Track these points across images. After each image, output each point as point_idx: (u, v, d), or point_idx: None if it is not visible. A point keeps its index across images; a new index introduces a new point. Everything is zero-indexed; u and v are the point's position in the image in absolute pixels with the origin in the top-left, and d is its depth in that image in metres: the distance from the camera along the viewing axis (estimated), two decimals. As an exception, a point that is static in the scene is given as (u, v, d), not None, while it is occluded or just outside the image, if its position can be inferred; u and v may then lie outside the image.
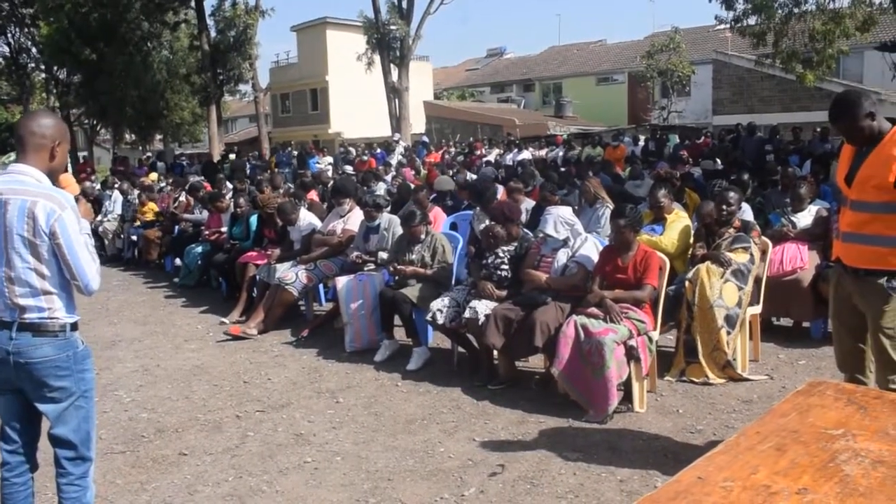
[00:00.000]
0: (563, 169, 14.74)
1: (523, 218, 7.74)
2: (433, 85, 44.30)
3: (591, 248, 5.54)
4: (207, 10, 28.74)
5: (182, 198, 11.90)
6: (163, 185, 14.79)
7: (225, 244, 9.25)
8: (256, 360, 6.54)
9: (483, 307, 5.50)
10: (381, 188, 12.10)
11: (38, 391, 2.97)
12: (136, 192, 12.82)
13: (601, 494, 3.81)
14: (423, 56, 41.31)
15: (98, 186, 16.05)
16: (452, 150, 23.35)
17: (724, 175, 10.77)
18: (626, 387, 4.91)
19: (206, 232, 9.90)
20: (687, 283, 5.59)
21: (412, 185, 10.25)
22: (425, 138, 26.81)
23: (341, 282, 6.75)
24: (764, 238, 6.10)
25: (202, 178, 16.05)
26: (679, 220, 6.37)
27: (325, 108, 41.23)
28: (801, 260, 6.47)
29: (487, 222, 6.30)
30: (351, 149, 25.26)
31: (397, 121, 27.96)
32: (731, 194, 5.96)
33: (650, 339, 5.06)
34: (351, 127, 37.86)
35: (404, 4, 27.58)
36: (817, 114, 23.60)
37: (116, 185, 13.88)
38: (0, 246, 2.87)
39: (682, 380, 5.53)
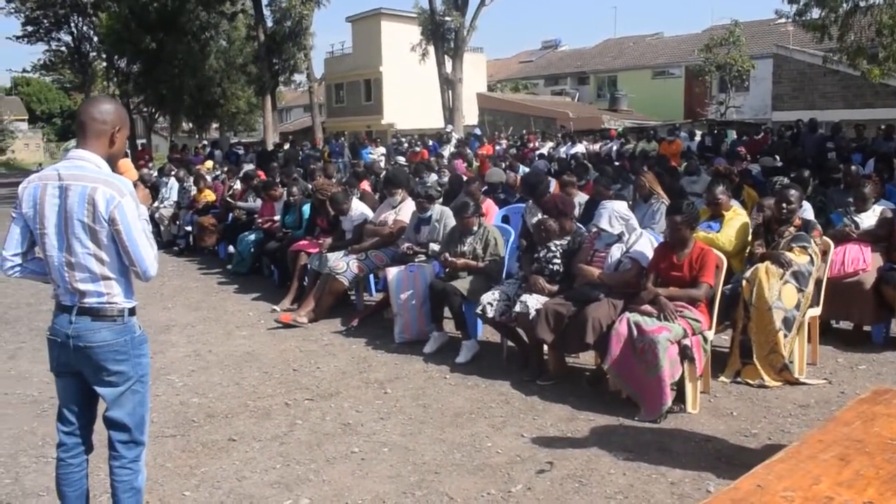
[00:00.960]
0: (616, 163, 14.57)
1: (577, 212, 7.67)
2: (487, 77, 44.15)
3: (646, 243, 5.44)
4: (264, 1, 29.00)
5: (236, 186, 12.03)
6: (218, 173, 14.96)
7: (277, 232, 9.35)
8: (306, 348, 6.59)
9: (534, 301, 5.44)
10: (432, 179, 12.08)
11: (97, 374, 3.01)
12: (192, 179, 12.99)
13: (651, 496, 3.73)
14: (477, 48, 41.24)
15: (155, 173, 16.31)
16: (504, 142, 23.23)
17: (784, 172, 10.48)
18: (679, 387, 4.80)
19: (259, 220, 10.00)
20: (744, 283, 5.45)
21: (464, 177, 10.18)
22: (478, 130, 26.74)
23: (392, 273, 6.75)
24: (825, 238, 5.92)
25: (255, 166, 16.25)
26: (737, 218, 6.21)
27: (379, 98, 41.39)
28: (863, 261, 6.25)
29: (540, 216, 6.23)
30: (403, 140, 25.33)
31: (450, 112, 27.90)
32: (792, 192, 5.79)
33: (705, 339, 4.96)
34: (404, 118, 37.98)
35: (459, -4, 27.50)
36: (881, 111, 22.95)
37: (173, 173, 14.09)
38: (61, 231, 2.90)
39: (737, 381, 5.40)
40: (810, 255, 5.57)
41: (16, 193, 3.13)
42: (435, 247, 6.85)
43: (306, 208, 8.97)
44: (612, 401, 5.02)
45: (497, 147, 21.55)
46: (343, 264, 7.34)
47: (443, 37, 27.69)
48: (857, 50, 16.10)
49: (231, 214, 11.16)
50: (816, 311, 5.78)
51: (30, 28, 36.00)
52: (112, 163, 3.04)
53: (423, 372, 5.85)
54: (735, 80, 30.85)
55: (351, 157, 22.18)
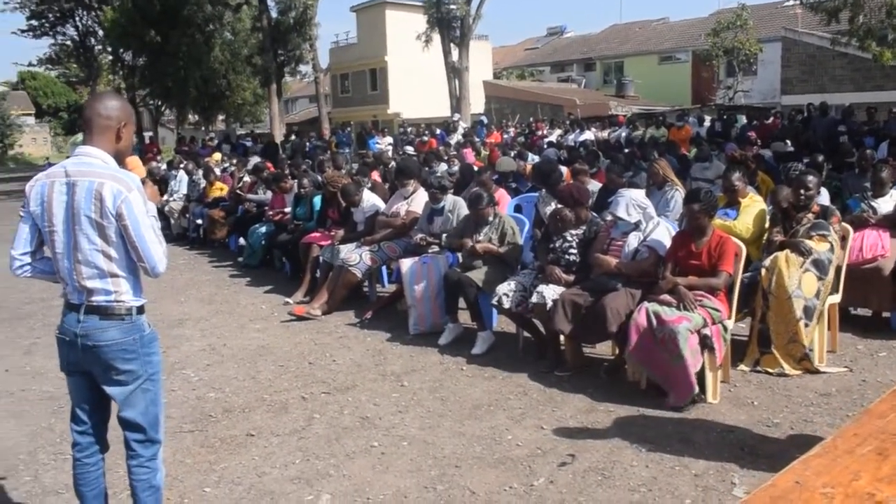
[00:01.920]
0: (626, 150, 14.48)
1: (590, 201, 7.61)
2: (492, 64, 43.97)
3: (664, 232, 5.39)
4: (268, -8, 28.95)
5: (246, 178, 12.01)
6: (226, 165, 14.93)
7: (289, 225, 9.32)
8: (321, 341, 6.56)
9: (550, 292, 5.40)
10: (442, 169, 12.03)
11: (106, 374, 2.98)
12: (201, 172, 12.96)
13: (675, 488, 3.69)
14: (482, 35, 41.04)
15: (164, 167, 16.30)
16: (512, 130, 23.14)
17: (797, 157, 10.41)
18: (700, 377, 4.74)
19: (270, 212, 9.98)
20: (763, 271, 5.38)
21: (475, 167, 10.13)
22: (484, 118, 26.62)
23: (405, 264, 6.71)
24: (844, 224, 5.86)
25: (263, 158, 16.22)
26: (754, 205, 6.15)
27: (385, 88, 41.30)
28: (881, 247, 6.18)
29: (554, 205, 6.18)
30: (410, 129, 25.26)
31: (457, 101, 27.83)
32: (810, 178, 5.72)
33: (725, 328, 4.91)
34: (410, 107, 37.86)
35: (465, -17, 27.37)
36: (893, 93, 22.77)
37: (182, 166, 14.07)
38: (68, 228, 2.87)
39: (757, 370, 5.35)
40: (830, 243, 5.51)
41: (23, 188, 3.10)
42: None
43: (317, 200, 8.93)
44: (631, 391, 4.98)
45: (505, 135, 21.47)
46: (356, 256, 7.32)
47: (448, 25, 27.57)
48: (867, 32, 15.93)
49: (241, 207, 11.13)
50: (836, 298, 5.72)
51: (35, 22, 36.00)
52: (119, 159, 3.00)
53: (439, 364, 5.82)
54: (743, 64, 30.61)
55: (358, 148, 22.17)
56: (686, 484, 3.74)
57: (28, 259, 3.01)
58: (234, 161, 14.83)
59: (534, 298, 5.46)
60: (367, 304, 7.51)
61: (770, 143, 13.37)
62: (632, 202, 5.37)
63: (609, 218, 5.58)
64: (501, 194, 8.20)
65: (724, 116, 19.97)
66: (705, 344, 4.74)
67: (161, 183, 14.17)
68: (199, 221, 12.18)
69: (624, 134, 18.39)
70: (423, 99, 36.77)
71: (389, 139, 22.80)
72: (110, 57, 37.66)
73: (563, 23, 55.01)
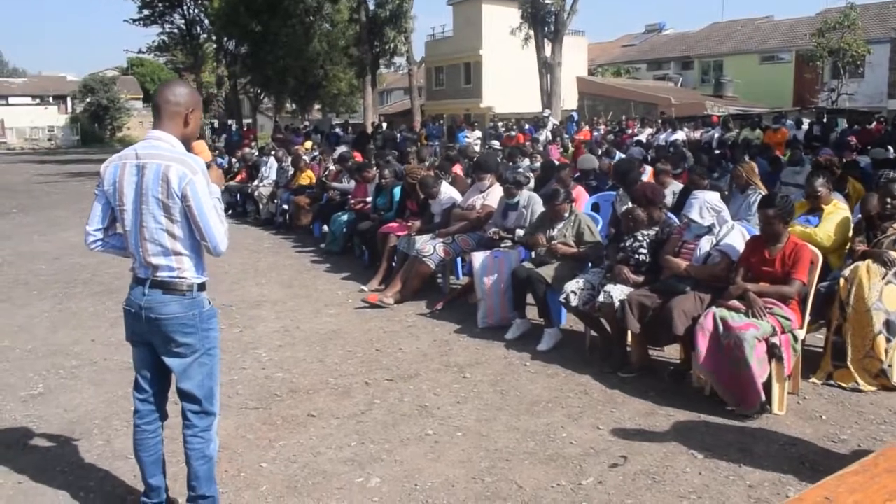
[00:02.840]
0: (717, 151, 14.12)
1: (670, 201, 7.48)
2: (588, 61, 43.48)
3: (738, 236, 5.25)
4: (367, -16, 29.36)
5: (331, 167, 12.24)
6: (315, 153, 15.25)
7: (369, 214, 9.47)
8: (390, 329, 6.66)
9: (618, 292, 5.34)
10: (525, 164, 11.99)
11: (166, 346, 3.14)
12: (290, 159, 13.28)
13: (727, 499, 3.61)
14: (578, 31, 40.62)
15: (256, 153, 16.76)
16: (602, 127, 22.83)
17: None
18: (766, 387, 4.60)
19: (352, 201, 10.16)
20: (842, 281, 5.18)
21: (556, 163, 10.06)
22: (575, 115, 26.34)
23: (477, 258, 6.74)
24: (934, 236, 5.57)
25: (351, 148, 16.50)
26: (837, 212, 5.91)
27: (478, 82, 41.35)
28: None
29: (630, 204, 6.09)
30: (500, 124, 25.22)
31: (548, 97, 27.61)
32: (898, 186, 5.47)
33: (795, 338, 4.74)
34: (503, 102, 37.78)
35: (560, -22, 27.10)
36: None
37: (273, 152, 14.45)
38: (137, 207, 3.03)
39: (829, 384, 5.15)
40: (917, 254, 5.26)
41: None
42: (521, 233, 6.80)
43: (397, 191, 9.05)
44: (694, 397, 4.88)
45: (595, 133, 21.20)
46: (430, 247, 7.39)
47: (543, 20, 27.37)
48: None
49: (326, 195, 11.37)
50: (921, 313, 5.45)
51: (145, 11, 37.48)
52: (187, 143, 3.15)
53: (503, 358, 5.83)
54: (849, 66, 29.34)
55: (448, 141, 22.27)
56: (738, 495, 3.65)
57: (101, 234, 3.20)
58: (321, 150, 15.12)
59: (601, 298, 5.41)
60: (439, 296, 7.58)
61: (870, 150, 12.82)
62: (706, 205, 5.25)
63: (684, 220, 5.47)
64: (580, 192, 8.14)
65: (824, 120, 19.22)
66: (773, 353, 4.59)
67: (252, 168, 14.61)
68: (286, 207, 12.49)
69: (717, 135, 17.93)
70: (517, 94, 36.60)
71: (478, 133, 22.80)
72: (214, 45, 38.96)
73: (662, 20, 53.76)
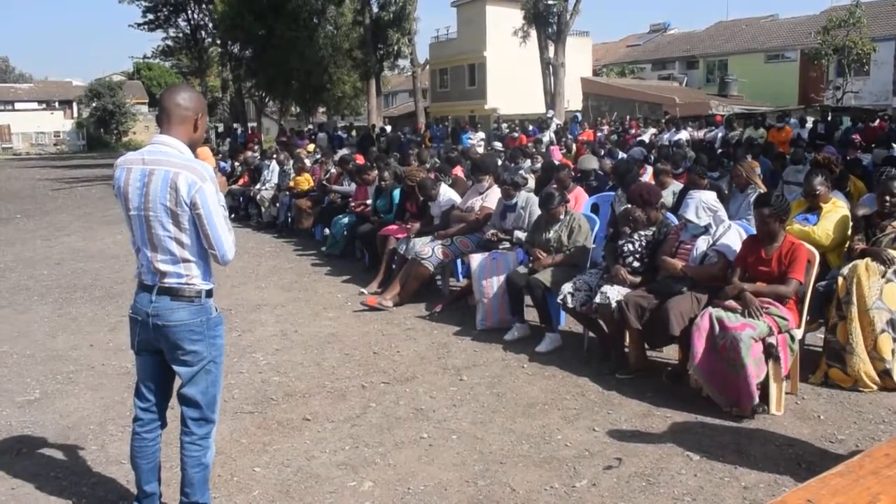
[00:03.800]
0: (720, 151, 14.07)
1: (670, 201, 7.45)
2: (593, 61, 43.42)
3: (734, 236, 5.22)
4: (370, -14, 29.40)
5: (332, 169, 12.25)
6: (318, 156, 15.26)
7: (370, 216, 9.46)
8: (388, 331, 6.65)
9: (615, 293, 5.31)
10: (527, 165, 11.98)
11: (173, 352, 3.12)
12: (292, 162, 13.29)
13: (721, 500, 3.59)
14: (582, 31, 40.58)
15: (258, 156, 16.77)
16: (606, 128, 22.80)
17: (899, 162, 9.88)
18: (764, 387, 4.59)
19: (353, 203, 10.16)
20: (840, 280, 5.14)
21: (556, 163, 10.03)
22: (579, 115, 26.31)
23: (475, 259, 6.73)
24: (933, 234, 5.53)
25: (352, 150, 16.50)
26: (836, 210, 5.87)
27: (483, 83, 41.34)
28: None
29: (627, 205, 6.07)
30: (504, 125, 25.21)
31: (552, 97, 27.59)
32: (897, 184, 5.44)
33: (792, 338, 4.71)
34: (508, 103, 37.75)
35: (563, -22, 27.08)
36: None
37: (274, 156, 14.46)
38: (142, 214, 3.01)
39: (829, 384, 5.12)
40: (917, 253, 5.22)
41: None
42: (520, 234, 6.79)
43: (397, 193, 9.04)
44: (692, 398, 4.84)
45: (598, 133, 21.18)
46: (429, 249, 7.38)
47: (545, 21, 27.33)
48: None
49: (327, 197, 11.37)
50: (922, 311, 5.41)
51: (150, 16, 37.64)
52: (193, 148, 3.12)
53: (501, 360, 5.81)
54: (854, 64, 29.21)
55: (451, 142, 22.26)
56: (733, 496, 3.62)
57: None
58: (323, 153, 15.12)
59: (598, 299, 5.39)
60: (439, 298, 7.56)
61: (873, 148, 12.78)
62: (702, 204, 5.22)
63: (682, 220, 5.45)
64: (579, 192, 8.11)
65: (829, 118, 19.14)
66: (770, 353, 4.57)
67: (255, 172, 14.60)
68: (288, 210, 12.49)
69: (720, 134, 17.88)
70: (521, 95, 36.61)
71: (482, 134, 22.81)
72: (219, 49, 39.07)
73: (667, 20, 53.55)
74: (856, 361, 5.01)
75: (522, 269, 6.33)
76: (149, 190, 2.97)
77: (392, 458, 4.14)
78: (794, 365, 4.84)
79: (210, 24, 37.91)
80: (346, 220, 10.00)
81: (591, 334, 5.94)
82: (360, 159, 12.90)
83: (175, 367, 3.17)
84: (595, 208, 8.04)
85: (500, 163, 11.45)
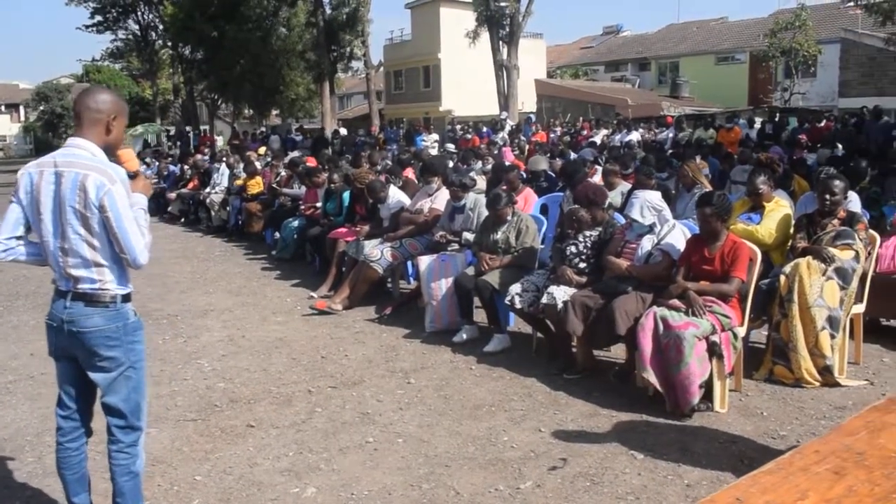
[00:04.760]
0: (670, 151, 14.24)
1: (618, 201, 7.49)
2: (547, 62, 43.68)
3: (678, 235, 5.27)
4: (324, -13, 29.21)
5: (283, 172, 12.12)
6: (269, 159, 15.10)
7: (320, 219, 9.38)
8: (337, 335, 6.59)
9: (561, 293, 5.32)
10: (478, 167, 11.98)
11: (90, 360, 3.03)
12: (242, 165, 13.13)
13: (664, 498, 3.60)
14: (536, 33, 40.81)
15: (208, 160, 16.54)
16: (558, 129, 22.95)
17: (845, 162, 10.09)
18: (708, 385, 4.62)
19: (303, 206, 10.06)
20: (782, 278, 5.21)
21: (506, 164, 10.05)
22: (532, 117, 26.43)
23: (423, 261, 6.71)
24: (871, 232, 5.65)
25: (305, 153, 16.34)
26: (778, 209, 5.96)
27: (437, 85, 41.35)
28: (914, 257, 5.95)
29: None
30: (458, 127, 25.23)
31: (505, 99, 27.69)
32: (836, 182, 5.53)
33: (735, 336, 4.76)
34: (462, 105, 37.82)
35: (515, -20, 27.17)
36: (958, 97, 21.95)
37: (224, 159, 14.28)
38: (56, 217, 2.93)
39: (774, 381, 5.18)
40: (855, 251, 5.32)
41: None
42: (468, 235, 6.78)
43: (346, 195, 8.98)
44: (638, 397, 4.87)
45: (551, 134, 21.31)
46: (378, 252, 7.33)
47: (498, 22, 27.42)
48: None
49: (277, 201, 11.25)
50: (860, 308, 5.52)
51: (98, 18, 36.91)
52: (110, 151, 3.04)
53: (449, 362, 5.79)
54: (801, 66, 29.80)
55: (406, 144, 22.19)
56: (676, 494, 3.64)
57: (13, 244, 3.07)
58: (272, 156, 14.97)
59: (544, 299, 5.39)
60: (388, 301, 7.51)
61: (818, 148, 13.06)
62: (647, 204, 5.26)
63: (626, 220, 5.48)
64: (528, 193, 8.12)
65: (776, 119, 19.51)
66: (714, 351, 4.61)
67: (204, 175, 14.40)
68: (238, 214, 12.33)
69: (671, 135, 18.11)
70: (475, 97, 36.71)
71: (435, 136, 22.77)
72: (170, 51, 38.48)
73: (620, 22, 54.10)
74: (798, 359, 5.10)
75: (471, 271, 6.31)
76: (60, 192, 2.89)
77: (336, 463, 4.08)
78: (737, 362, 4.89)
79: (160, 26, 37.28)
80: (295, 223, 9.90)
81: (539, 335, 5.96)
82: (313, 162, 12.80)
83: (92, 375, 3.07)
84: (545, 209, 8.08)
85: (451, 164, 11.44)
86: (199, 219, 13.81)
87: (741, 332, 4.87)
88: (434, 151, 17.50)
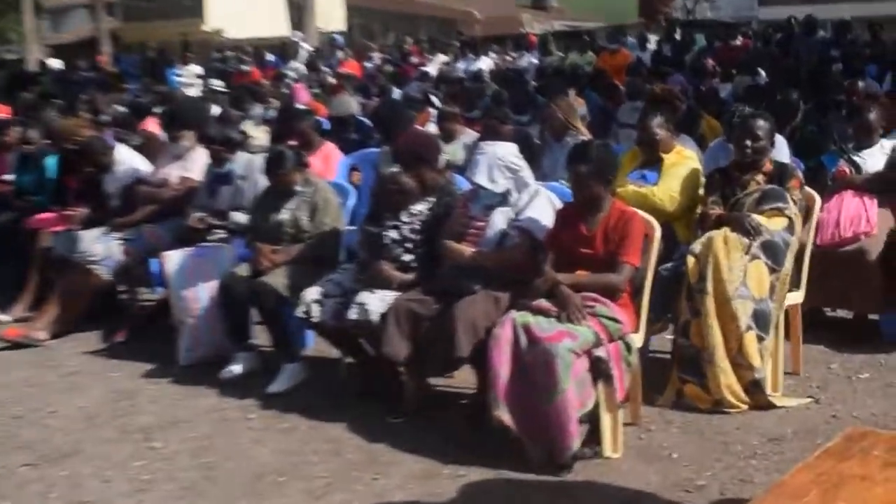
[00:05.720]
0: (534, 84, 14.50)
1: (460, 158, 7.49)
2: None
3: (545, 206, 5.31)
4: None
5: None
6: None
7: (11, 199, 8.87)
8: (40, 380, 6.33)
9: (377, 301, 5.26)
10: (257, 113, 11.79)
11: None
12: None
13: None
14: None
15: None
16: (377, 56, 23.04)
17: (768, 93, 10.54)
18: (593, 420, 4.66)
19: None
20: (691, 260, 5.31)
21: (299, 109, 9.90)
22: (339, 38, 26.41)
23: (172, 259, 6.54)
24: (809, 190, 5.87)
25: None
26: (683, 163, 6.11)
27: (200, -6, 40.73)
28: (866, 222, 6.27)
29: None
30: (231, 54, 24.86)
31: (299, 14, 27.55)
32: (759, 122, 5.71)
33: (628, 347, 4.81)
34: (236, 23, 37.29)
35: None
36: (905, 4, 23.66)
37: None
38: None
39: (683, 405, 5.32)
40: (788, 218, 5.49)
41: None
42: (239, 217, 6.67)
43: (52, 162, 8.57)
44: (495, 444, 4.83)
45: (367, 64, 21.35)
46: (102, 247, 7.06)
47: None
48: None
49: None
50: (798, 296, 5.73)
51: None
52: None
53: (214, 411, 5.65)
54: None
55: (153, 82, 21.65)
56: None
57: None
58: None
59: (353, 312, 5.29)
60: (121, 321, 7.25)
61: (734, 75, 13.63)
62: (497, 162, 5.26)
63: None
64: (330, 150, 8.06)
65: (678, 37, 20.29)
66: (599, 371, 4.64)
67: None
68: None
69: (534, 61, 18.50)
70: (255, 12, 36.37)
71: (198, 69, 22.32)
72: None
73: None
74: (716, 373, 5.22)
75: (244, 270, 6.16)
76: None
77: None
78: (632, 384, 4.96)
79: None
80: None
81: (349, 360, 5.92)
82: (4, 111, 12.22)
83: None
84: (355, 173, 7.98)
85: (215, 111, 11.14)
86: None
87: (637, 340, 4.94)
88: (195, 91, 17.09)
